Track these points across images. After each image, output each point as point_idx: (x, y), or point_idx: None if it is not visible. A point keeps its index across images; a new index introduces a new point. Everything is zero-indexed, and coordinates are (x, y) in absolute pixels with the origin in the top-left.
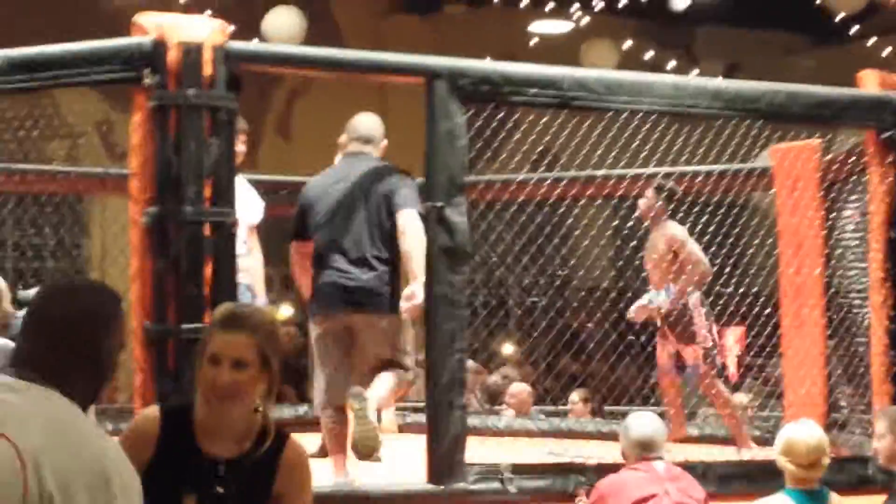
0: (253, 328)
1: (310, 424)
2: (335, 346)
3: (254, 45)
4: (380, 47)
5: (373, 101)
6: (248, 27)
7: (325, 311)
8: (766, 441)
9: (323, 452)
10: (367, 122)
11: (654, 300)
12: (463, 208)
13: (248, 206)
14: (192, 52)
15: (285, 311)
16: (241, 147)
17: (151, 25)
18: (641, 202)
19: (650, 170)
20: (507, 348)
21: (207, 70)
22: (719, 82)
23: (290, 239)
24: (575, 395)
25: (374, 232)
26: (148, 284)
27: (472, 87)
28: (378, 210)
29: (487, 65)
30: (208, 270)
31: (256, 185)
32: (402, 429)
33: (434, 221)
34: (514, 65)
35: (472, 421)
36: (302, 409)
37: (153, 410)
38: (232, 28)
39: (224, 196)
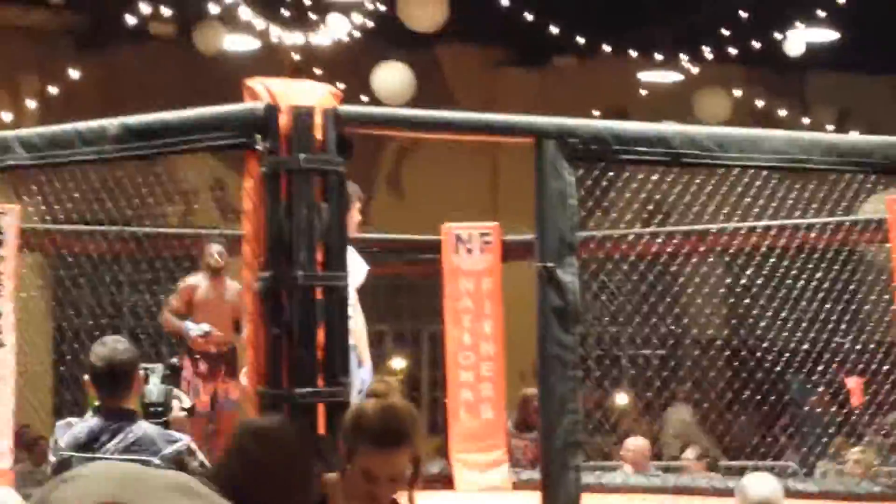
0: (408, 441)
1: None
2: None
3: (363, 108)
4: (489, 101)
5: (483, 157)
6: (358, 84)
7: None
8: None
9: None
10: None
11: None
12: (574, 268)
13: (353, 269)
14: (302, 117)
15: (397, 363)
16: (357, 216)
17: (263, 90)
18: None
19: (763, 223)
20: (622, 399)
21: (318, 134)
22: (832, 137)
23: None
24: (689, 452)
25: None
26: (261, 349)
27: (582, 146)
28: None
29: (597, 123)
30: (321, 335)
31: (369, 243)
32: (517, 486)
33: (545, 281)
34: (624, 123)
35: (588, 478)
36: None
37: None
38: (341, 86)
39: (335, 260)
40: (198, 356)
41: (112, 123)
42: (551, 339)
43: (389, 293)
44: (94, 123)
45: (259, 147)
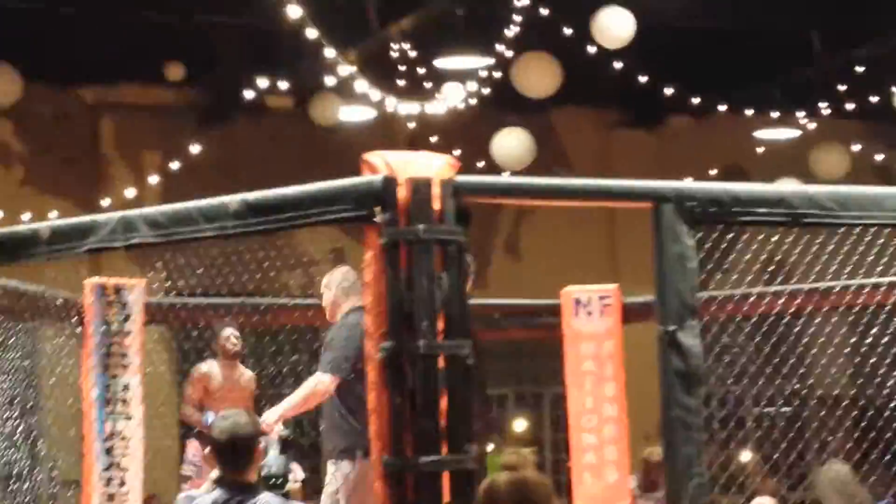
0: None
1: None
2: None
3: (481, 178)
4: (605, 163)
5: (601, 218)
6: (474, 150)
7: None
8: None
9: None
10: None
11: None
12: (696, 331)
13: None
14: (421, 189)
15: (519, 425)
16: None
17: (381, 163)
18: None
19: (888, 279)
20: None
21: (437, 205)
22: None
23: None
24: None
25: None
26: (385, 418)
27: (701, 209)
28: None
29: (715, 186)
30: (444, 403)
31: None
32: None
33: (667, 345)
34: (743, 185)
35: None
36: None
37: None
38: (457, 152)
39: (457, 329)
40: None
41: (233, 200)
42: (675, 402)
43: (510, 356)
44: (215, 201)
45: (378, 219)
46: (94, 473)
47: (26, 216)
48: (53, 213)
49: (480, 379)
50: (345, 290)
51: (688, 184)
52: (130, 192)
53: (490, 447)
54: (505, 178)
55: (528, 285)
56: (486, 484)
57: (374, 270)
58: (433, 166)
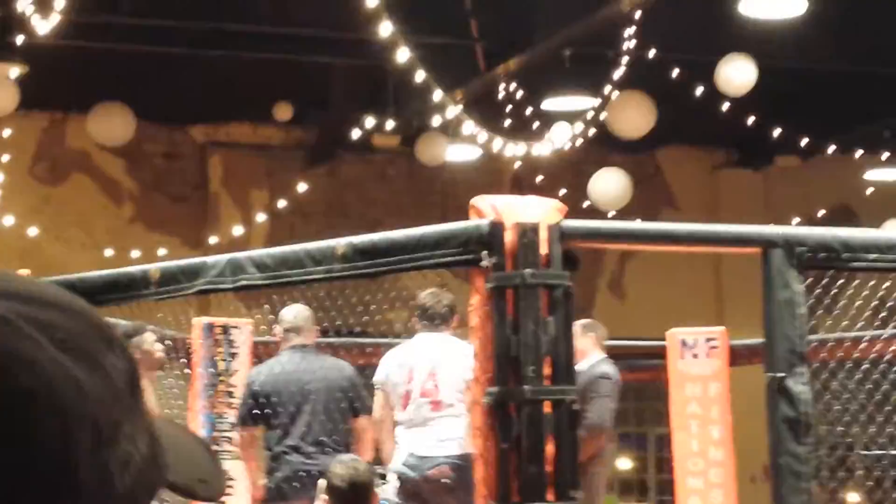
0: None
1: None
2: None
3: (587, 223)
4: (711, 203)
5: (707, 259)
6: (580, 190)
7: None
8: None
9: None
10: (295, 312)
11: None
12: (805, 377)
13: None
14: (527, 233)
15: (623, 464)
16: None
17: (488, 207)
18: None
19: None
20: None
21: (543, 249)
22: None
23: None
24: None
25: (338, 422)
26: (491, 464)
27: (810, 254)
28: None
29: (825, 232)
30: (550, 449)
31: None
32: None
33: (775, 392)
34: (854, 230)
35: None
36: None
37: None
38: (563, 192)
39: (563, 374)
40: None
41: (339, 243)
42: (783, 450)
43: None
44: (322, 244)
45: (485, 264)
46: None
47: (136, 253)
48: (162, 251)
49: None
50: None
51: (797, 229)
52: (238, 230)
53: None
54: (611, 223)
55: (633, 325)
56: None
57: (481, 315)
58: (540, 211)
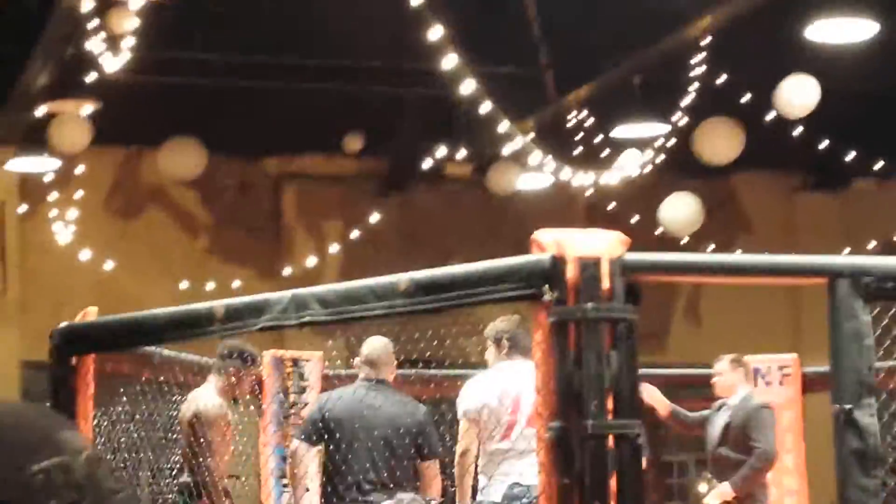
0: None
1: None
2: None
3: (650, 256)
4: (787, 227)
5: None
6: (652, 216)
7: None
8: None
9: None
10: (373, 345)
11: None
12: (873, 409)
13: None
14: (589, 268)
15: (702, 489)
16: None
17: (549, 242)
18: None
19: None
20: None
21: (605, 283)
22: None
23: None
24: None
25: (401, 461)
26: (553, 499)
27: (877, 284)
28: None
29: (892, 261)
30: (613, 484)
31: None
32: None
33: (843, 424)
34: None
35: None
36: None
37: None
38: (635, 219)
39: (626, 408)
40: None
41: (401, 279)
42: (852, 483)
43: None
44: (384, 279)
45: (546, 298)
46: None
47: (210, 285)
48: (236, 283)
49: (657, 446)
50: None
51: (863, 259)
52: (312, 261)
53: None
54: (674, 256)
55: (709, 352)
56: None
57: (543, 349)
58: (602, 244)
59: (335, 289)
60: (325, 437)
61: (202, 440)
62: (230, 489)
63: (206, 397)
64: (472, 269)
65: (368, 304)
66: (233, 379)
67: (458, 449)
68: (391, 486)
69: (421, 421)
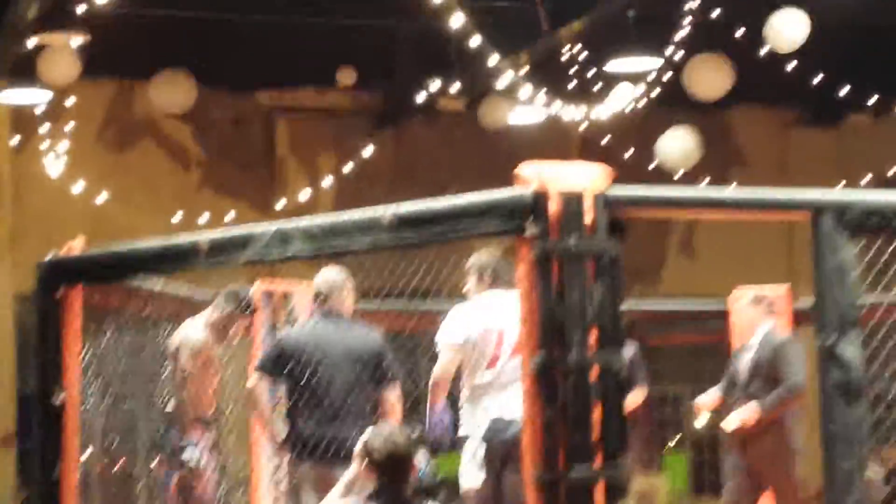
0: None
1: None
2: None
3: (633, 189)
4: (781, 163)
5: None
6: (647, 151)
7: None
8: None
9: None
10: (324, 277)
11: None
12: (856, 343)
13: None
14: (572, 201)
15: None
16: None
17: (532, 175)
18: None
19: None
20: None
21: (588, 217)
22: None
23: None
24: None
25: (360, 391)
26: (537, 430)
27: (860, 219)
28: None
29: (876, 196)
30: (596, 415)
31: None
32: None
33: (826, 358)
34: None
35: None
36: None
37: None
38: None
39: (609, 340)
40: None
41: (385, 213)
42: (834, 416)
43: (688, 356)
44: (369, 212)
45: (529, 233)
46: (264, 474)
47: (203, 218)
48: (230, 215)
49: (653, 378)
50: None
51: (847, 193)
52: (305, 195)
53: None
54: (658, 190)
55: (704, 285)
56: None
57: (526, 283)
58: (585, 178)
59: (319, 222)
60: (283, 372)
61: (183, 370)
62: (213, 422)
63: (192, 328)
64: (456, 203)
65: (352, 238)
66: (225, 320)
67: (435, 373)
68: (350, 416)
69: (376, 349)
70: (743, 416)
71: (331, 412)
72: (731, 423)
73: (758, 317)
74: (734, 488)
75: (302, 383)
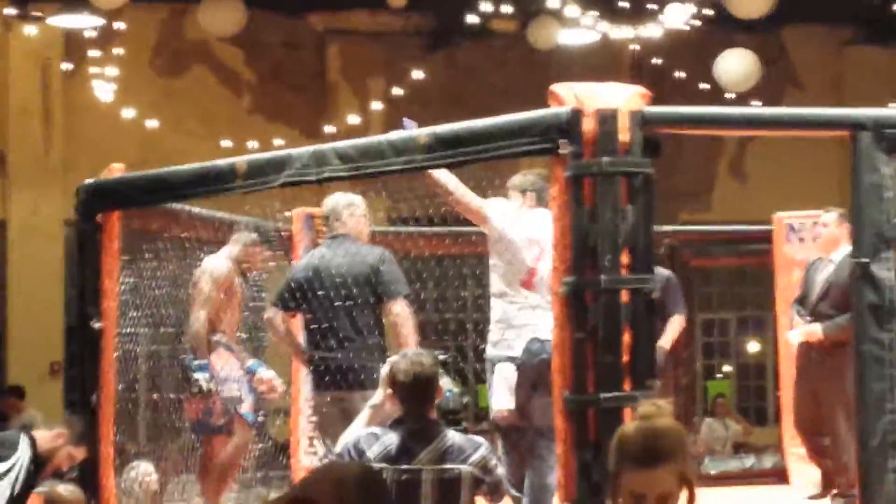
0: (670, 459)
1: None
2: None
3: (668, 109)
4: (837, 81)
5: (829, 141)
6: (702, 72)
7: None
8: None
9: None
10: (328, 201)
11: None
12: (890, 263)
13: None
14: (607, 120)
15: (752, 347)
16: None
17: (568, 94)
18: None
19: None
20: None
21: (623, 137)
22: None
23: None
24: None
25: (359, 310)
26: (567, 354)
27: None
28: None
29: None
30: (626, 338)
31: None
32: None
33: (860, 277)
34: None
35: None
36: None
37: None
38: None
39: (641, 263)
40: None
41: (422, 133)
42: (867, 336)
43: (733, 281)
44: (404, 133)
45: (563, 152)
46: (301, 400)
47: (253, 143)
48: (280, 141)
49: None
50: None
51: (886, 111)
52: (355, 119)
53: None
54: (693, 109)
55: (753, 209)
56: (616, 433)
57: (559, 204)
58: (621, 97)
59: (355, 144)
60: (297, 300)
61: (200, 292)
62: (236, 347)
63: (215, 260)
64: (492, 124)
65: (388, 159)
66: (248, 251)
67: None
68: (354, 337)
69: (372, 264)
70: (805, 334)
71: (335, 337)
72: (793, 337)
73: (843, 235)
74: (794, 404)
75: (308, 314)
